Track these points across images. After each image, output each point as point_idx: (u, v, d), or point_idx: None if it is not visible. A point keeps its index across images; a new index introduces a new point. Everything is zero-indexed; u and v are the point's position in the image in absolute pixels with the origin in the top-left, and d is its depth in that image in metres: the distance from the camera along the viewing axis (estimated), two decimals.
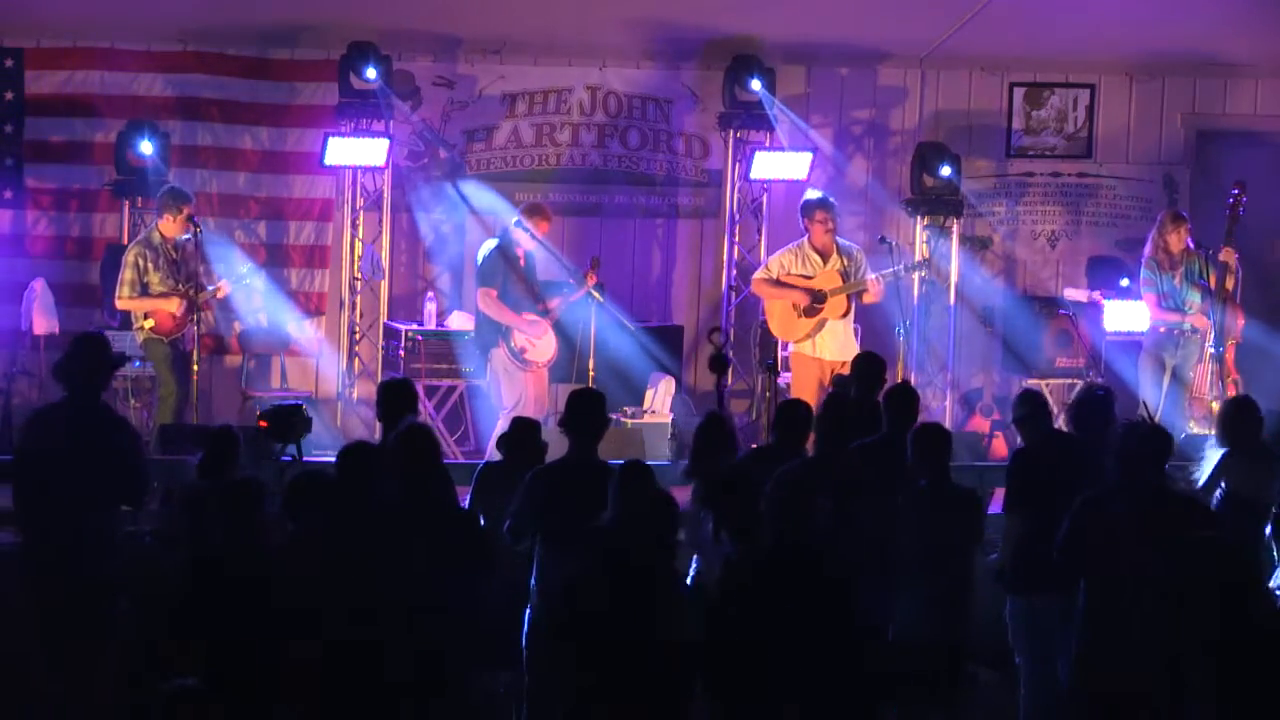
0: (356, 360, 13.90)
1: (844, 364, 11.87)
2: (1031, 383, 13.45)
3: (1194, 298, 12.72)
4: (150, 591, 7.84)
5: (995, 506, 10.43)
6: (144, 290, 12.35)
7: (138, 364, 12.61)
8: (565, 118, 14.42)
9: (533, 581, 8.29)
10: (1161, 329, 12.82)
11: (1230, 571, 7.09)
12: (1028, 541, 8.46)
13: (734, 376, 14.43)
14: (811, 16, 13.79)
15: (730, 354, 9.91)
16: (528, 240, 12.43)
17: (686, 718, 7.13)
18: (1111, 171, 15.10)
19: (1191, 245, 12.86)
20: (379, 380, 13.11)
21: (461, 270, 14.04)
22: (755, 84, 13.93)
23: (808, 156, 14.14)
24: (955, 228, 14.45)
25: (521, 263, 12.50)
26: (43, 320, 13.06)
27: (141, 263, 12.34)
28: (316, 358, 14.10)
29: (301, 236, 14.09)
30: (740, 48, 14.11)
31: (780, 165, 14.15)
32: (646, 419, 12.88)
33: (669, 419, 12.91)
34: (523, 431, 8.99)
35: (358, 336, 13.91)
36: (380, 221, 13.87)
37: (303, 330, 13.99)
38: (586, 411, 8.57)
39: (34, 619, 8.30)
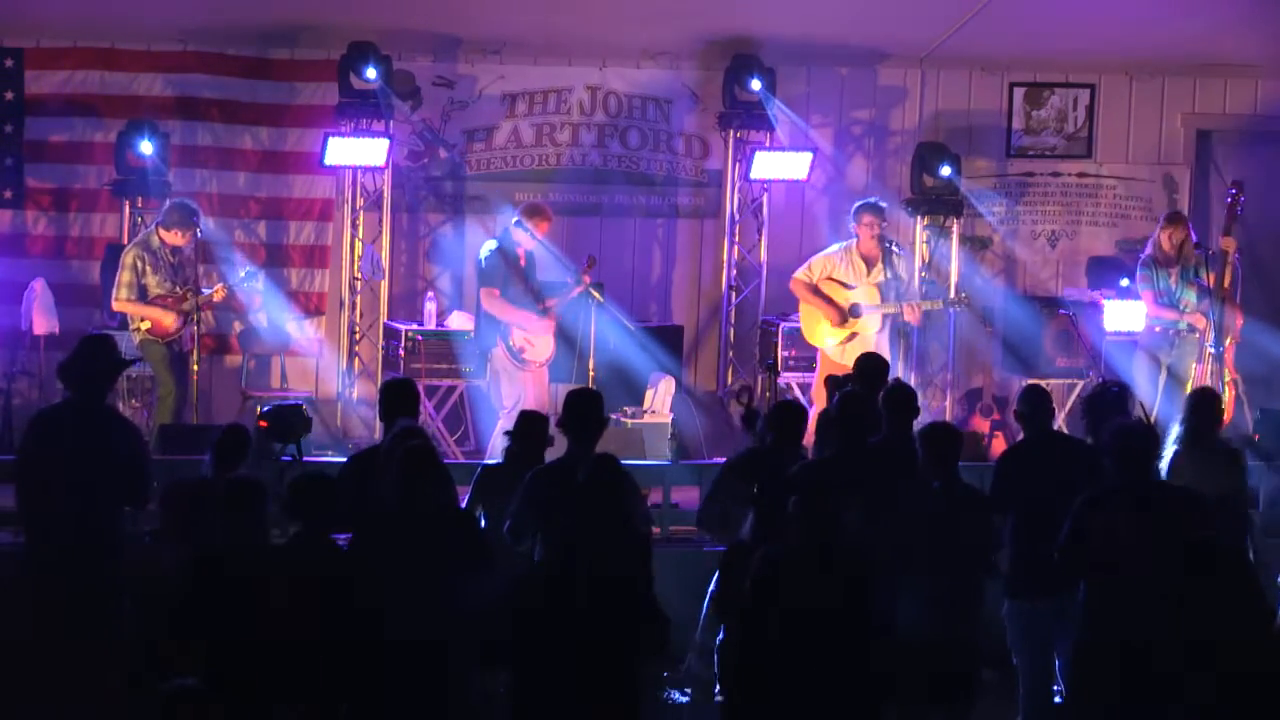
0: (357, 360, 13.90)
1: None
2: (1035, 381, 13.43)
3: (1190, 296, 12.72)
4: (150, 591, 7.83)
5: None
6: (141, 292, 12.34)
7: (137, 364, 12.61)
8: (565, 118, 14.42)
9: None
10: (1157, 328, 12.82)
11: (1228, 572, 7.12)
12: (1026, 544, 8.45)
13: (734, 376, 14.44)
14: (811, 16, 13.78)
15: (759, 409, 9.98)
16: (528, 240, 12.43)
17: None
18: (1111, 171, 15.10)
19: (1194, 239, 12.86)
20: (379, 380, 13.14)
21: (461, 270, 14.04)
22: (755, 84, 13.94)
23: (808, 156, 14.14)
24: (955, 228, 14.45)
25: (522, 262, 12.50)
26: (43, 320, 13.06)
27: (139, 265, 12.33)
28: (317, 358, 14.10)
29: (301, 236, 14.09)
30: (740, 48, 14.11)
31: (780, 165, 14.15)
32: (646, 419, 12.87)
33: (669, 419, 12.90)
34: (531, 424, 8.98)
35: (358, 336, 13.91)
36: (380, 221, 13.87)
37: (303, 330, 13.99)
38: (585, 411, 8.59)
39: (36, 619, 8.29)
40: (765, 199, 14.46)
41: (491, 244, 12.60)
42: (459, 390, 13.42)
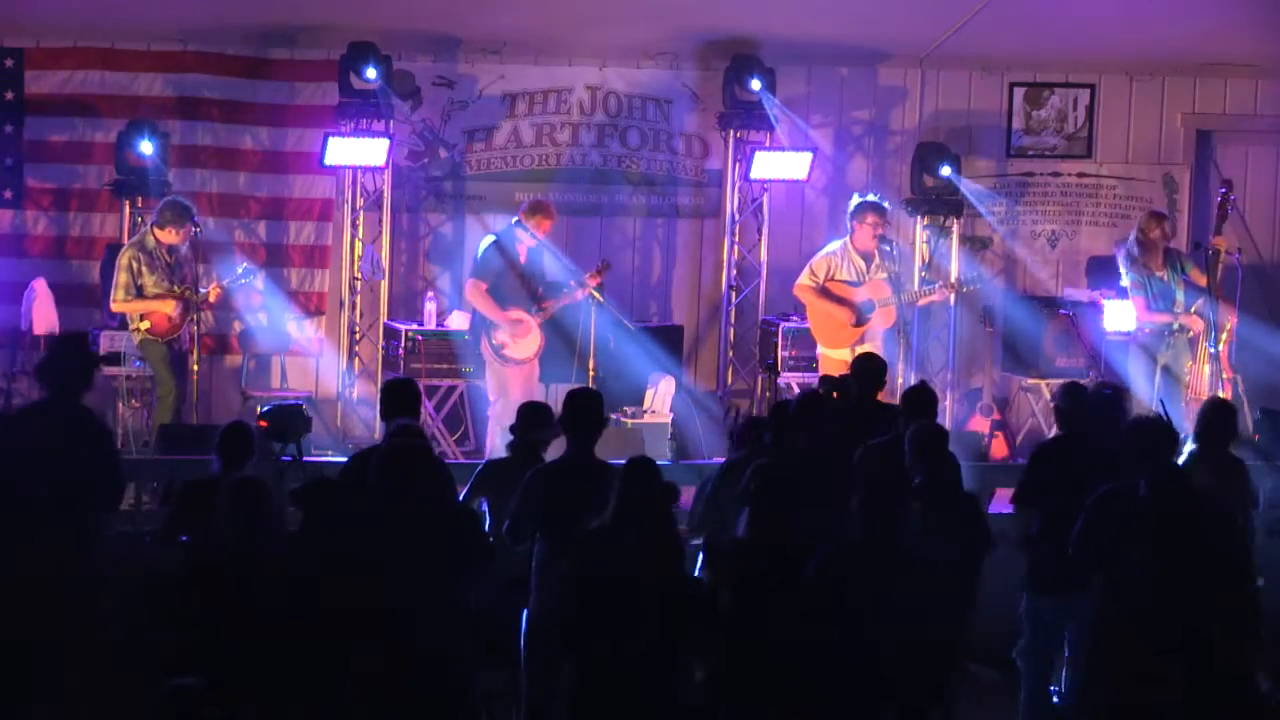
0: (357, 360, 13.90)
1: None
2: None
3: (1179, 296, 12.70)
4: (150, 591, 7.82)
5: (994, 506, 10.48)
6: (139, 293, 12.35)
7: (137, 364, 12.61)
8: (565, 118, 14.41)
9: (532, 581, 8.29)
10: (1147, 329, 12.81)
11: (1237, 571, 7.15)
12: (1049, 540, 8.43)
13: (734, 376, 14.44)
14: (811, 16, 13.77)
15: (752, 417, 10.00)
16: (529, 238, 12.44)
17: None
18: (1111, 171, 15.10)
19: (1172, 243, 12.86)
20: (379, 380, 13.15)
21: (461, 270, 14.03)
22: (755, 84, 13.93)
23: (808, 156, 14.14)
24: (955, 228, 14.45)
25: (522, 259, 12.49)
26: (43, 320, 13.05)
27: (136, 265, 12.34)
28: (317, 358, 14.10)
29: (301, 236, 14.08)
30: (740, 48, 14.11)
31: (780, 165, 14.15)
32: (646, 419, 12.88)
33: (669, 419, 12.91)
34: (534, 416, 8.97)
35: (358, 336, 13.91)
36: (380, 221, 13.87)
37: (303, 330, 13.99)
38: (584, 411, 8.58)
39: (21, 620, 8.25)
40: (765, 199, 14.45)
41: (490, 238, 12.63)
42: (459, 390, 13.43)
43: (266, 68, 13.90)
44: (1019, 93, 15.00)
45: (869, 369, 10.02)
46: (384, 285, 13.86)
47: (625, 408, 12.96)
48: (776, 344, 13.70)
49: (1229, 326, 12.59)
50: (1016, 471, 11.47)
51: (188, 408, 12.51)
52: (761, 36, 14.07)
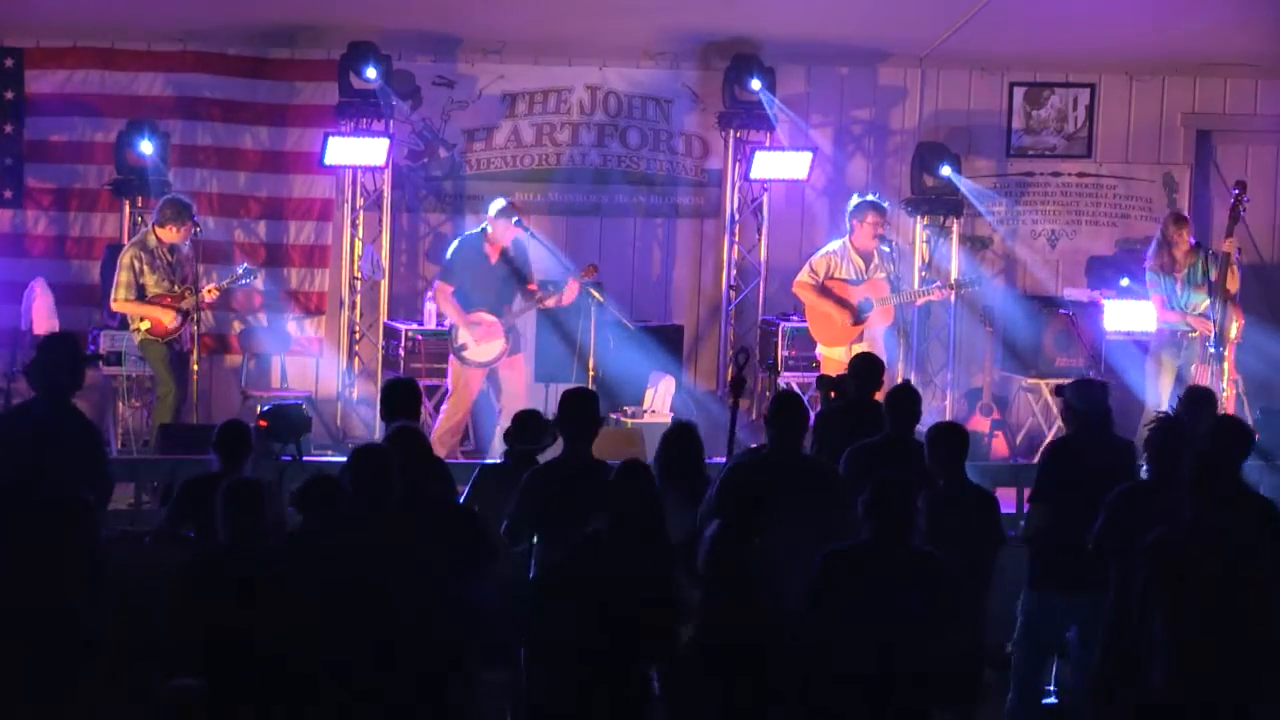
0: (357, 360, 13.90)
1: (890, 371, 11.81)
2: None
3: (1196, 299, 12.72)
4: (150, 592, 7.81)
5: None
6: (140, 292, 12.35)
7: (137, 364, 12.61)
8: (565, 117, 14.41)
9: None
10: (1165, 330, 12.83)
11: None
12: (1056, 538, 8.42)
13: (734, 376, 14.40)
14: (811, 16, 13.77)
15: (745, 376, 9.89)
16: (503, 238, 12.46)
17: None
18: (1111, 171, 15.09)
19: (1193, 243, 12.87)
20: (379, 380, 13.16)
21: None
22: (755, 83, 13.93)
23: (808, 156, 14.14)
24: (955, 227, 14.45)
25: (492, 260, 12.50)
26: (43, 320, 13.03)
27: (137, 265, 12.34)
28: (317, 357, 14.10)
29: (301, 236, 14.08)
30: (740, 47, 14.10)
31: (780, 165, 14.15)
32: (646, 419, 12.87)
33: (669, 419, 12.90)
34: (527, 422, 8.98)
35: (358, 336, 13.91)
36: (380, 221, 13.87)
37: (303, 330, 13.99)
38: (581, 411, 8.58)
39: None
40: (765, 199, 14.45)
41: (466, 236, 12.70)
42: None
43: (266, 67, 13.89)
44: (1019, 92, 14.99)
45: (865, 368, 10.02)
46: (384, 285, 13.86)
47: (625, 407, 12.96)
48: (777, 344, 13.71)
49: (1237, 329, 12.60)
50: (1016, 471, 11.53)
51: (188, 408, 12.51)
52: (761, 36, 14.06)
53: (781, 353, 13.61)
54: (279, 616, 7.14)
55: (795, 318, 13.75)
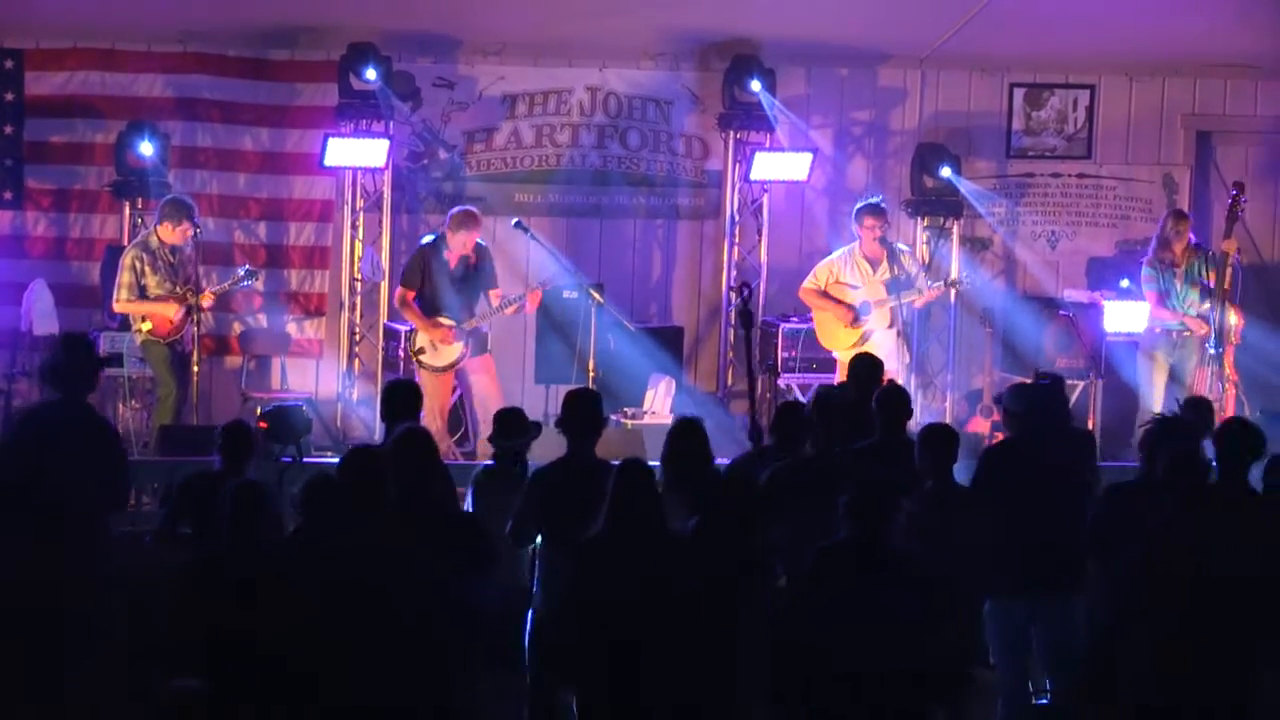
0: (357, 361, 13.90)
1: (887, 372, 11.83)
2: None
3: (1194, 297, 12.72)
4: (150, 592, 7.81)
5: None
6: (141, 293, 12.35)
7: (137, 365, 12.61)
8: (565, 119, 14.41)
9: (534, 583, 8.29)
10: (1158, 329, 12.84)
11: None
12: (1008, 544, 8.40)
13: (734, 378, 14.43)
14: (811, 17, 13.75)
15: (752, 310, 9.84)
16: (461, 247, 12.48)
17: None
18: (1111, 172, 15.08)
19: (1193, 241, 12.88)
20: (379, 381, 13.14)
21: None
22: (755, 85, 13.92)
23: (808, 157, 14.13)
24: (955, 228, 14.45)
25: (452, 265, 12.52)
26: (43, 321, 13.05)
27: (139, 265, 12.34)
28: (317, 359, 14.10)
29: (301, 237, 14.08)
30: (740, 48, 14.09)
31: (780, 166, 14.14)
32: (647, 420, 12.87)
33: (669, 420, 12.88)
34: (508, 422, 8.98)
35: (358, 337, 13.91)
36: (380, 222, 13.87)
37: (303, 331, 14.00)
38: (584, 411, 8.58)
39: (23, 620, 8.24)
40: (765, 200, 14.44)
41: (423, 241, 12.79)
42: (458, 392, 13.40)
43: (266, 69, 13.90)
44: (1019, 93, 14.98)
45: (866, 370, 10.02)
46: (384, 286, 13.85)
47: (625, 409, 12.95)
48: (777, 345, 13.70)
49: (1235, 330, 12.60)
50: None
51: (188, 409, 12.50)
52: (761, 37, 14.06)
53: (781, 354, 13.60)
54: (280, 617, 7.13)
55: (795, 319, 13.76)
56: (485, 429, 12.51)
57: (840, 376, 13.01)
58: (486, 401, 12.47)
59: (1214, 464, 7.91)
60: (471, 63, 14.19)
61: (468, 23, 13.82)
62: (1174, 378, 12.74)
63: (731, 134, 14.28)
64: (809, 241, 14.33)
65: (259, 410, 12.30)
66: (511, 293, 12.75)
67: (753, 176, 14.18)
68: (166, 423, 12.16)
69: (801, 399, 13.34)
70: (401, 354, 13.09)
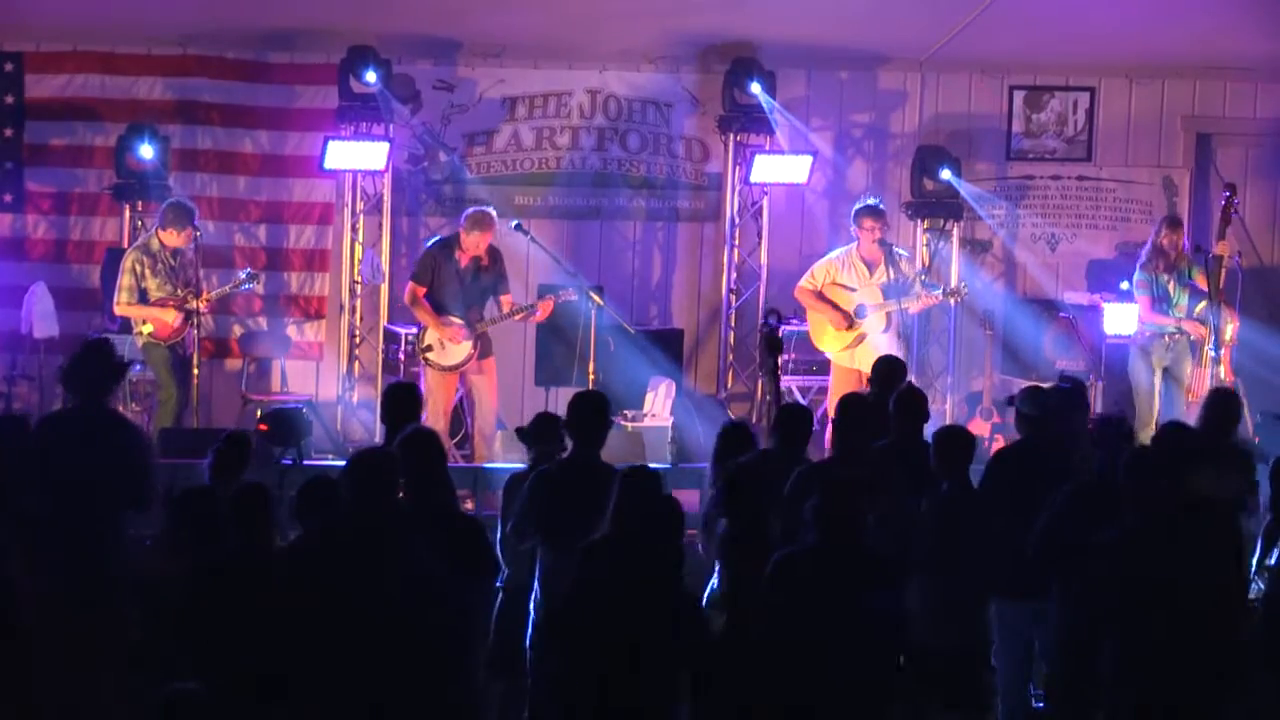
0: (357, 364, 13.89)
1: None
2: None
3: (1184, 300, 12.72)
4: (151, 596, 7.81)
5: None
6: (142, 296, 12.33)
7: (138, 368, 12.60)
8: (565, 121, 14.40)
9: (535, 585, 8.28)
10: (1148, 332, 12.83)
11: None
12: (1010, 545, 8.39)
13: (734, 379, 14.42)
14: (811, 20, 13.74)
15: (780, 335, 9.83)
16: (474, 248, 12.45)
17: None
18: (1111, 174, 15.07)
19: (1187, 247, 12.87)
20: (379, 384, 13.14)
21: None
22: (755, 87, 13.91)
23: (808, 160, 14.13)
24: (955, 231, 14.44)
25: (462, 266, 12.50)
26: (43, 324, 13.04)
27: (139, 268, 12.32)
28: (317, 361, 14.08)
29: (301, 240, 14.08)
30: (740, 51, 14.08)
31: (780, 168, 14.13)
32: (647, 422, 12.85)
33: (669, 422, 12.88)
34: (544, 426, 8.95)
35: (358, 340, 13.90)
36: (380, 225, 13.86)
37: (303, 334, 13.99)
38: (590, 414, 8.55)
39: (38, 623, 8.26)
40: (765, 202, 14.43)
41: (434, 240, 12.74)
42: (459, 394, 13.39)
43: (266, 71, 13.90)
44: (1019, 96, 14.98)
45: (888, 372, 10.01)
46: (384, 289, 13.84)
47: (626, 411, 12.94)
48: (778, 348, 13.64)
49: (1231, 332, 12.59)
50: None
51: (188, 412, 12.49)
52: (761, 39, 14.05)
53: (784, 356, 13.56)
54: (281, 621, 7.12)
55: (795, 321, 13.74)
56: (481, 433, 12.56)
57: (832, 378, 12.99)
58: (482, 405, 12.46)
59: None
60: (471, 65, 14.18)
61: (467, 25, 13.81)
62: (1171, 378, 12.72)
63: (731, 136, 14.27)
64: (809, 244, 14.32)
65: (259, 413, 12.30)
66: (520, 298, 12.75)
67: (753, 179, 14.17)
68: (167, 426, 12.14)
69: (802, 401, 13.36)
70: (402, 357, 13.08)
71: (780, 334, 9.91)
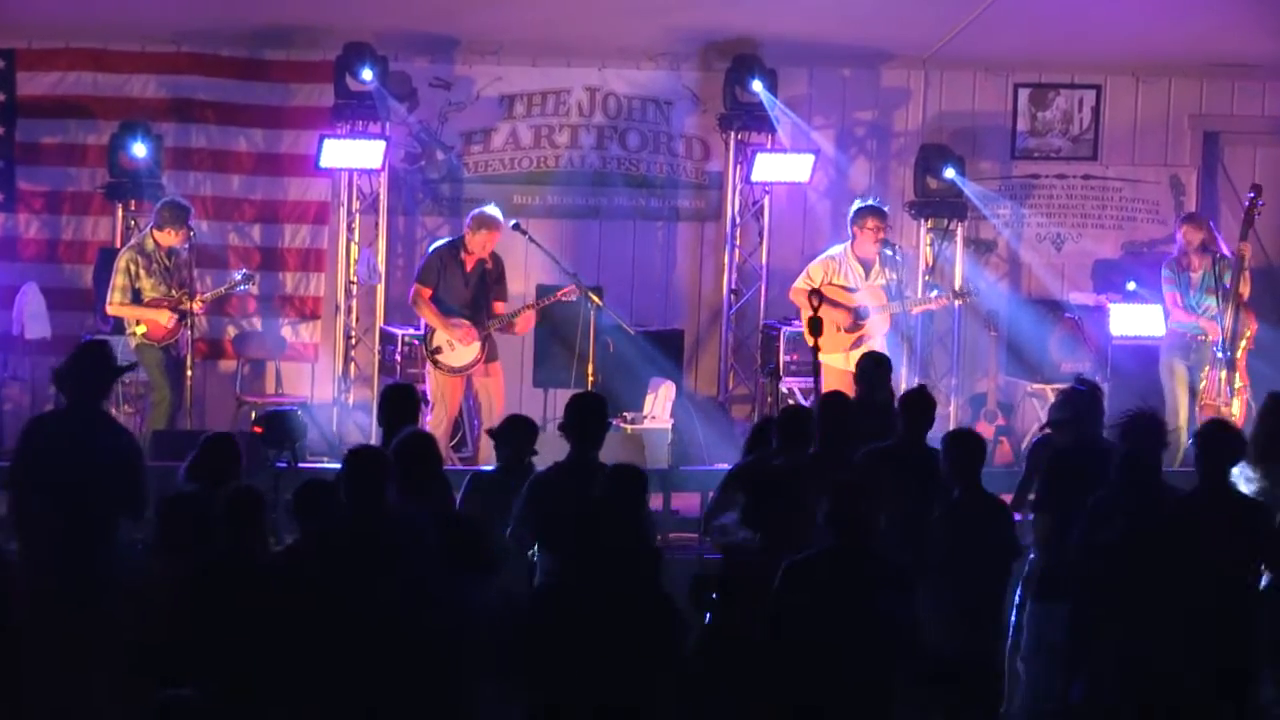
0: (353, 365, 13.82)
1: None
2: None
3: (1209, 301, 12.62)
4: (144, 600, 7.72)
5: None
6: (136, 296, 12.29)
7: (139, 372, 12.52)
8: (564, 119, 14.31)
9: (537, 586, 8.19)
10: (1176, 333, 12.74)
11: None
12: (1059, 547, 8.30)
13: (735, 381, 14.34)
14: (814, 16, 13.68)
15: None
16: (481, 249, 12.36)
17: None
18: (1118, 173, 14.99)
19: (1220, 246, 12.77)
20: (375, 385, 13.09)
21: None
22: (756, 85, 13.84)
23: (810, 158, 14.03)
24: (959, 230, 14.35)
25: (467, 269, 12.39)
26: (34, 325, 13.01)
27: (133, 269, 12.29)
28: (312, 362, 14.01)
29: (297, 240, 14.01)
30: (741, 48, 14.01)
31: (782, 167, 14.05)
32: (647, 424, 12.77)
33: (669, 424, 12.80)
34: (513, 427, 8.85)
35: (354, 341, 13.82)
36: (376, 225, 13.79)
37: (298, 335, 13.93)
38: (588, 415, 8.52)
39: (31, 626, 8.17)
40: (767, 201, 14.34)
41: (440, 243, 12.64)
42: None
43: (261, 69, 13.83)
44: (1024, 94, 14.89)
45: (874, 369, 9.92)
46: (380, 289, 13.77)
47: (625, 413, 12.85)
48: (778, 348, 13.57)
49: (1249, 334, 12.50)
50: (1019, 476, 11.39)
51: (182, 414, 12.41)
52: (763, 37, 13.97)
53: (783, 358, 13.47)
54: (278, 623, 7.06)
55: (796, 322, 13.62)
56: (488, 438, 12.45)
57: (825, 382, 12.82)
58: (491, 410, 12.35)
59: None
60: (469, 63, 14.11)
61: (465, 22, 13.74)
62: (1191, 391, 12.63)
63: (732, 135, 14.18)
64: (811, 244, 14.22)
65: (254, 415, 12.24)
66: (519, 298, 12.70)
67: (754, 178, 14.08)
68: (160, 428, 12.10)
69: (804, 402, 13.23)
70: (399, 358, 13.01)
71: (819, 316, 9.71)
